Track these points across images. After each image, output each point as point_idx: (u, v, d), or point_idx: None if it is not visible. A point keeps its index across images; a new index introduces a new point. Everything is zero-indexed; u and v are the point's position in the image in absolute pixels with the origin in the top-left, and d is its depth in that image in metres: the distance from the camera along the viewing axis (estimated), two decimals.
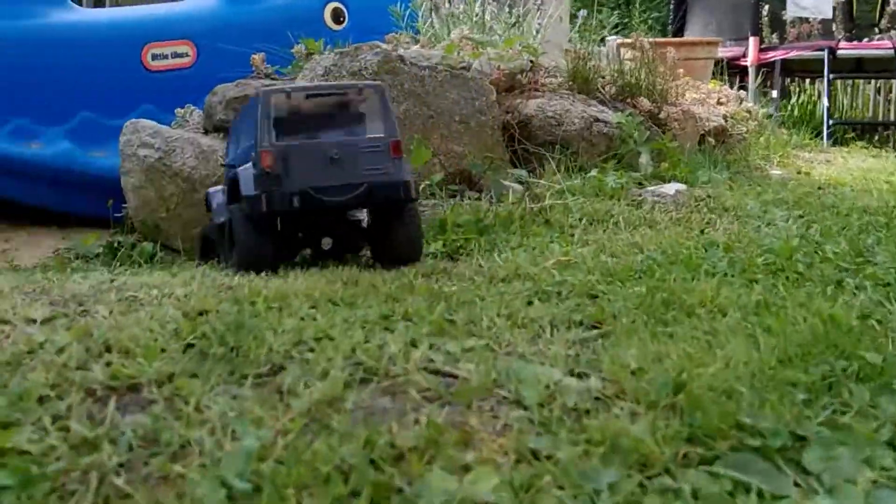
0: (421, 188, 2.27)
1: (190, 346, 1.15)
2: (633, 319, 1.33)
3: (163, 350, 1.12)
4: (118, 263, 2.41)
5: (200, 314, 1.30)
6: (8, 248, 3.12)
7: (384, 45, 2.78)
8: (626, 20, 6.99)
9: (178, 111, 2.94)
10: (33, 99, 3.41)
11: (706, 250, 1.85)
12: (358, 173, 1.71)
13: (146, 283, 1.55)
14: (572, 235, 2.07)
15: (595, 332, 1.29)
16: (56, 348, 1.12)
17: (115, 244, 2.70)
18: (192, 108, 2.97)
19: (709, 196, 2.61)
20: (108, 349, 1.12)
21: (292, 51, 2.93)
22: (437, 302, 1.39)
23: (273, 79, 2.80)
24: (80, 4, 4.72)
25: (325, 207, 1.70)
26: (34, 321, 1.25)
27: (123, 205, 2.80)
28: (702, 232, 2.10)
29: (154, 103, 3.58)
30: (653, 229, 2.14)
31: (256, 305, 1.35)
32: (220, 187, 2.03)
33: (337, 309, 1.35)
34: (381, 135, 1.75)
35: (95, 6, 5.69)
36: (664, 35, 7.17)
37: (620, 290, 1.51)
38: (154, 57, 3.68)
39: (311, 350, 1.14)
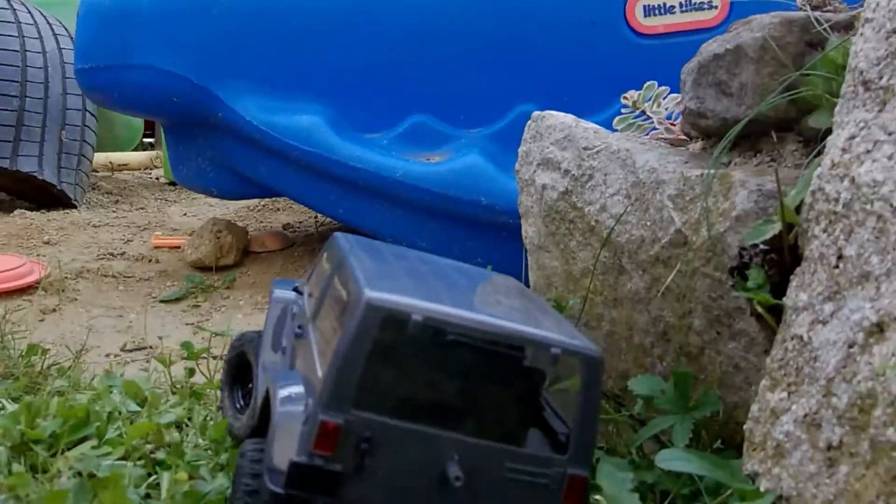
0: None
1: None
2: None
3: None
4: None
5: None
6: None
7: None
8: None
9: (629, 96, 1.56)
10: (443, 84, 2.32)
11: None
12: None
13: None
14: None
15: None
16: None
17: None
18: (661, 88, 1.57)
19: None
20: None
21: None
22: None
23: (832, 8, 1.25)
24: None
25: None
26: None
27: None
28: None
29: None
30: None
31: None
32: (291, 284, 1.19)
33: None
34: (556, 455, 0.85)
35: None
36: None
37: None
38: (647, 11, 2.32)
39: None
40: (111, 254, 2.69)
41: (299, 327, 1.00)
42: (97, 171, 4.55)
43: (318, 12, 2.30)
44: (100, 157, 4.62)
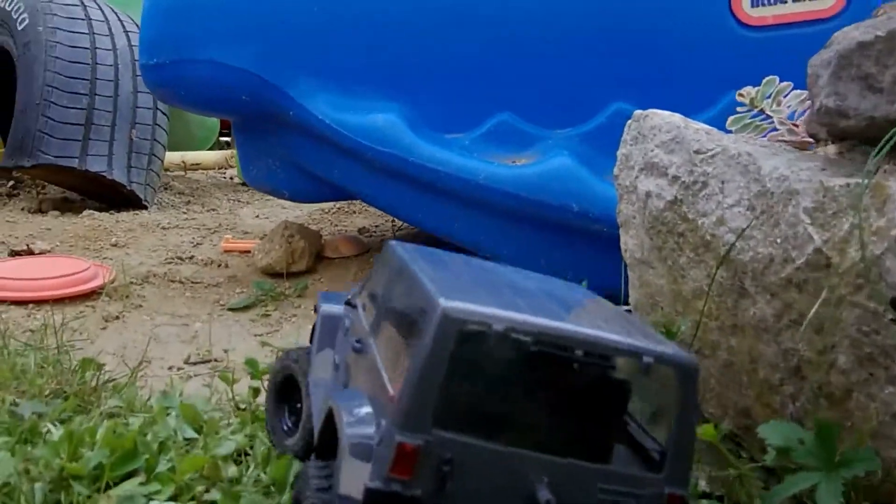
0: None
1: None
2: None
3: None
4: None
5: None
6: None
7: None
8: None
9: (745, 92, 1.40)
10: (530, 81, 2.18)
11: None
12: None
13: None
14: None
15: None
16: None
17: None
18: (782, 85, 1.41)
19: None
20: None
21: None
22: None
23: None
24: None
25: None
26: None
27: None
28: None
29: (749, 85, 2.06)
30: None
31: None
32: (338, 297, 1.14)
33: None
34: (651, 474, 0.79)
35: None
36: None
37: None
38: (755, 1, 2.14)
39: None
40: (179, 258, 2.63)
41: (357, 341, 0.94)
42: (169, 171, 4.53)
43: (395, 5, 2.18)
44: (173, 156, 4.61)
